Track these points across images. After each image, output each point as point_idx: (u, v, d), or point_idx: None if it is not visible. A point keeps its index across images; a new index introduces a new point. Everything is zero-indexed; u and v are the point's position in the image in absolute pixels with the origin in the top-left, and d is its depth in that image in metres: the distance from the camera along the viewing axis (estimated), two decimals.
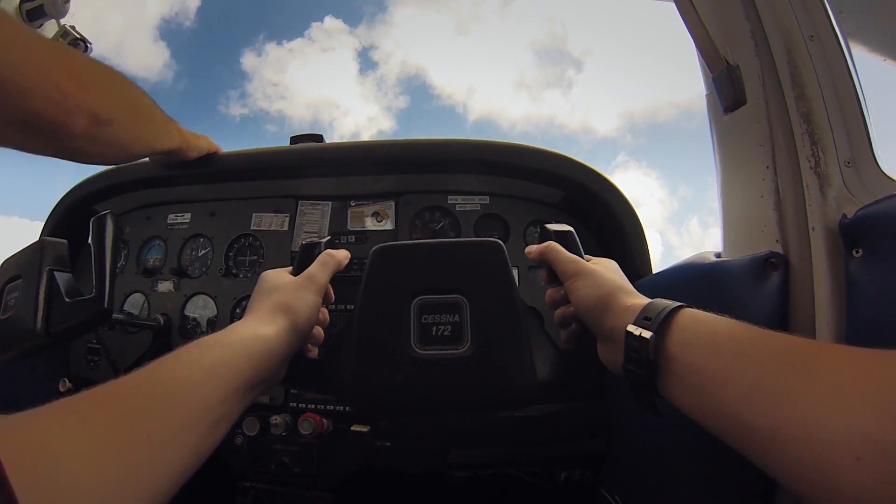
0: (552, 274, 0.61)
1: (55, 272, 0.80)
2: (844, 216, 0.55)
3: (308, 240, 0.63)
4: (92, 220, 0.80)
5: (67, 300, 0.78)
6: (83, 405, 0.35)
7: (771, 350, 0.36)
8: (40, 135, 0.64)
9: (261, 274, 0.59)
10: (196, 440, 0.40)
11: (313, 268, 0.59)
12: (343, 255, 0.63)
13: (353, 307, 0.57)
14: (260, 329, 0.50)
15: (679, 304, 0.46)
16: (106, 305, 0.78)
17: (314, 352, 0.60)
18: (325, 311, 0.62)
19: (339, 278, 0.63)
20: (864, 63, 0.64)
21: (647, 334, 0.44)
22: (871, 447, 0.27)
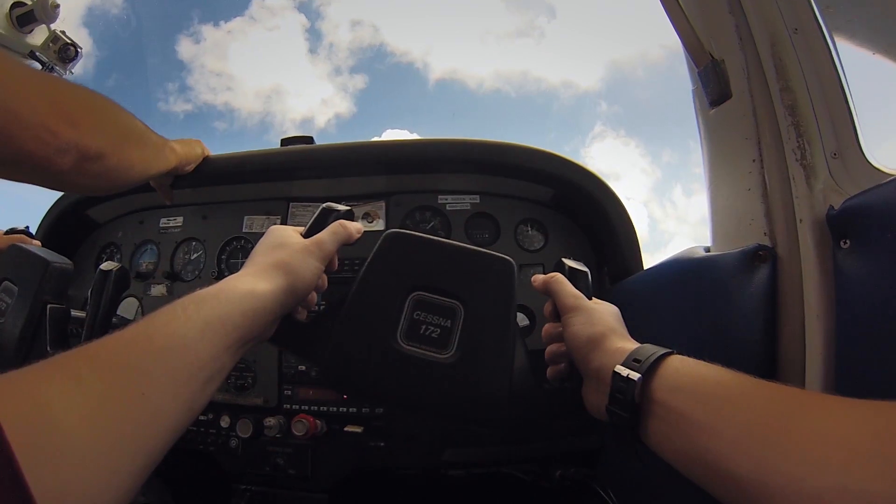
0: (554, 308, 0.61)
1: (50, 306, 0.79)
2: (832, 207, 0.55)
3: (326, 204, 0.62)
4: (98, 268, 0.80)
5: (49, 350, 0.77)
6: (78, 362, 0.34)
7: (760, 398, 0.36)
8: (26, 171, 0.64)
9: (270, 227, 0.59)
10: (190, 396, 0.40)
11: (324, 234, 0.58)
12: (356, 227, 0.62)
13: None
14: (257, 284, 0.49)
15: (669, 350, 0.46)
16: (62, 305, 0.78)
17: (303, 314, 0.60)
18: (325, 277, 0.61)
19: (331, 279, 0.63)
20: (853, 56, 0.64)
21: (634, 376, 0.44)
22: (859, 500, 0.27)
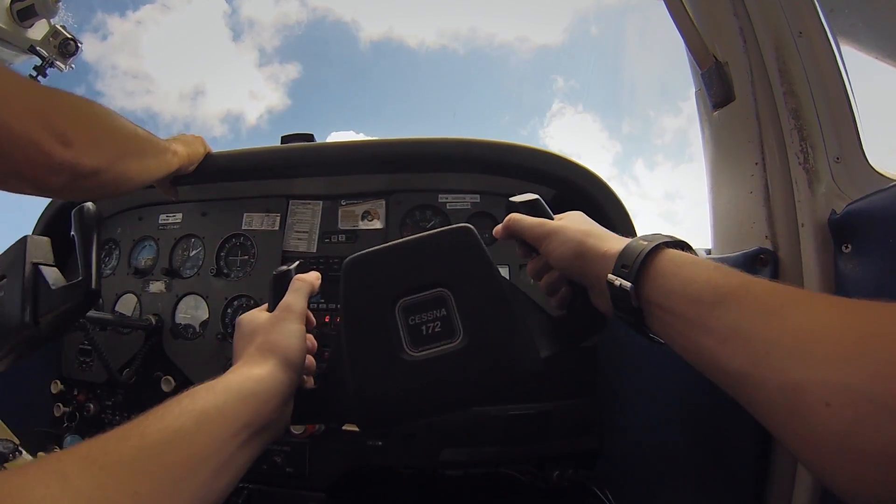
0: (525, 245, 0.60)
1: (40, 266, 0.80)
2: (833, 212, 0.55)
3: (276, 270, 0.61)
4: (73, 211, 0.80)
5: (53, 288, 0.78)
6: (67, 462, 0.33)
7: (749, 295, 0.37)
8: (18, 186, 0.63)
9: (237, 320, 0.58)
10: (192, 493, 0.37)
11: (288, 297, 0.57)
12: (314, 276, 0.61)
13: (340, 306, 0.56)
14: (251, 371, 0.48)
15: (654, 244, 0.46)
16: (94, 286, 0.78)
17: (310, 381, 0.59)
18: (311, 337, 0.60)
19: (328, 277, 0.62)
20: (856, 60, 0.64)
21: (626, 285, 0.45)
22: (840, 393, 0.28)
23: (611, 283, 0.46)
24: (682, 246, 0.47)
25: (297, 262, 0.64)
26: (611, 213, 0.94)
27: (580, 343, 0.57)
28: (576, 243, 0.52)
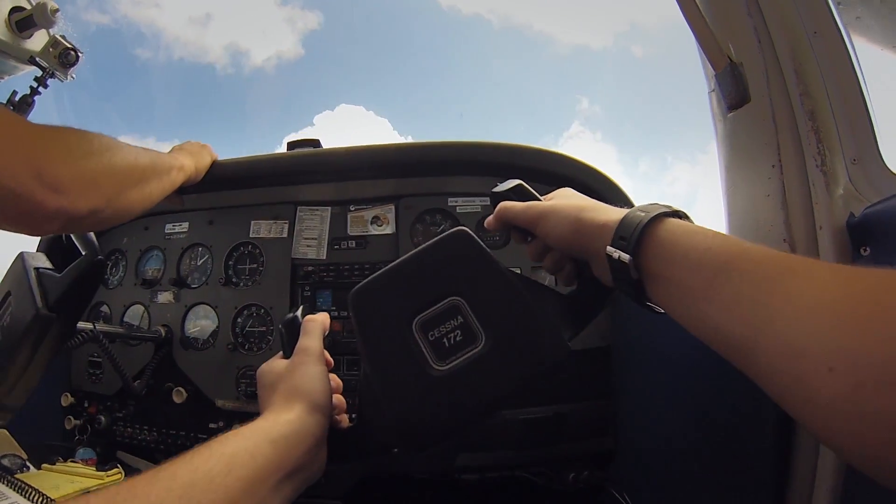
0: (520, 231, 0.60)
1: (42, 270, 0.82)
2: (852, 215, 0.55)
3: (284, 318, 0.61)
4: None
5: (58, 274, 0.81)
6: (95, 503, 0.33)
7: (750, 263, 0.37)
8: (13, 229, 0.62)
9: (256, 372, 0.57)
10: None
11: (303, 340, 0.57)
12: (322, 317, 0.61)
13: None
14: (279, 416, 0.48)
15: (652, 214, 0.45)
16: (99, 256, 0.80)
17: (344, 420, 0.58)
18: (334, 377, 0.59)
19: (338, 284, 0.62)
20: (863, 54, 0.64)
21: (625, 258, 0.44)
22: (843, 358, 0.28)
23: (609, 256, 0.46)
24: (680, 216, 0.47)
25: (301, 307, 0.64)
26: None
27: (597, 314, 0.57)
28: (572, 219, 0.52)
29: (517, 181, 0.62)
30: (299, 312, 0.62)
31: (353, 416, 0.59)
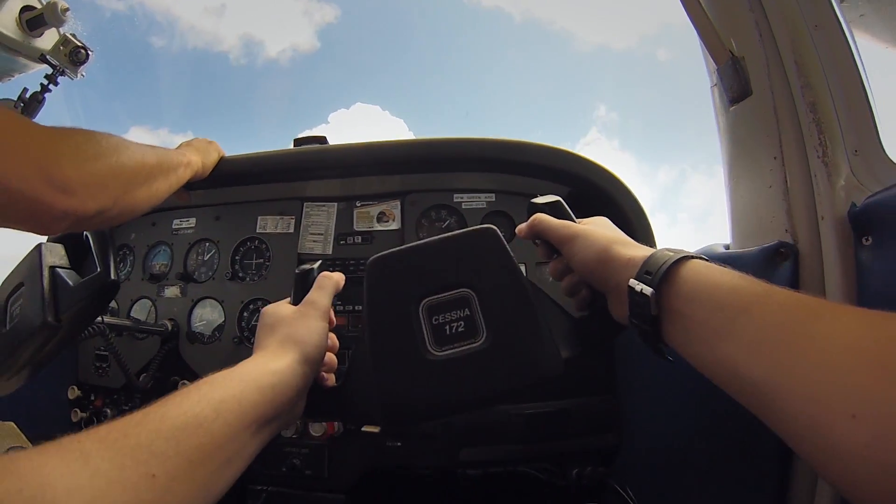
0: (548, 246, 0.61)
1: (57, 269, 0.82)
2: (853, 204, 0.55)
3: (300, 267, 0.62)
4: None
5: (72, 284, 0.80)
6: (87, 442, 0.34)
7: (773, 305, 0.37)
8: (24, 229, 0.63)
9: (261, 310, 0.58)
10: (206, 478, 0.38)
11: (313, 293, 0.58)
12: (339, 276, 0.62)
13: (361, 308, 0.57)
14: (270, 363, 0.49)
15: (680, 255, 0.45)
16: (112, 277, 0.80)
17: (331, 379, 0.59)
18: (333, 336, 0.60)
19: (348, 279, 0.63)
20: (867, 50, 0.64)
21: (647, 291, 0.44)
22: (867, 404, 0.28)
23: (631, 289, 0.46)
24: (707, 260, 0.47)
25: (319, 262, 0.65)
26: (627, 208, 0.94)
27: (599, 346, 0.57)
28: (600, 248, 0.52)
29: (557, 197, 0.63)
30: (316, 266, 0.63)
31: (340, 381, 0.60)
